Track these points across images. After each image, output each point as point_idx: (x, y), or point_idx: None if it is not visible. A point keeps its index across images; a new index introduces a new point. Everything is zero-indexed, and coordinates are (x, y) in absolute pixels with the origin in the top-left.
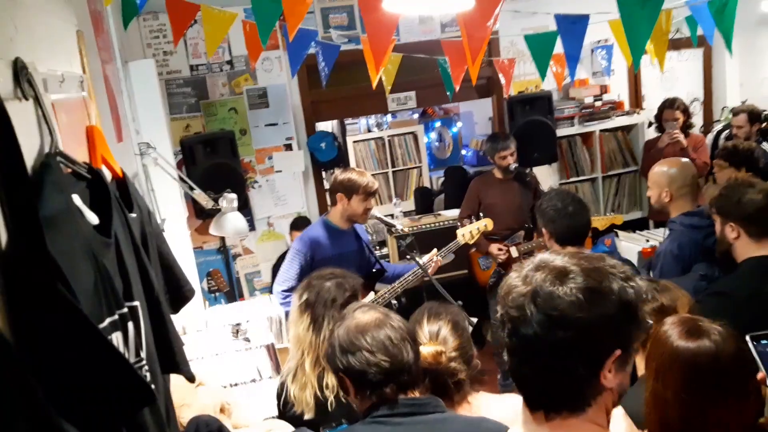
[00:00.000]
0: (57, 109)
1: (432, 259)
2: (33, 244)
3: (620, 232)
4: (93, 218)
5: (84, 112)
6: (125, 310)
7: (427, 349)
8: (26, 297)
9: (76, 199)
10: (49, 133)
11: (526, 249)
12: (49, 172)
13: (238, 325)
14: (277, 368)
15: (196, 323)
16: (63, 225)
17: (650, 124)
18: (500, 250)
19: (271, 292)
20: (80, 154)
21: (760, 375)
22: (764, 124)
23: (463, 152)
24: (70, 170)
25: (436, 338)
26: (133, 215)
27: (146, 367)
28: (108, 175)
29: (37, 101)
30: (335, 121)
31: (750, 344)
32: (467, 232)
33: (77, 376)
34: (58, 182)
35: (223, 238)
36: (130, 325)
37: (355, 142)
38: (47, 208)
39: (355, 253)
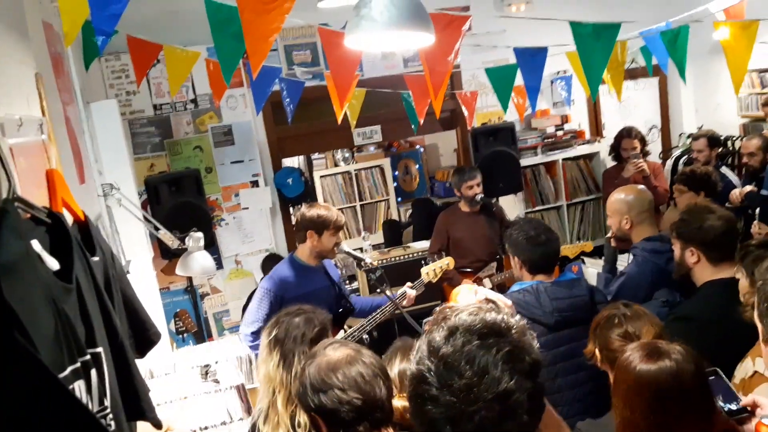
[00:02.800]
0: (15, 153)
1: (404, 294)
2: None
3: (587, 259)
4: (53, 264)
5: (43, 155)
6: (88, 357)
7: (397, 403)
8: None
9: (36, 244)
10: (6, 178)
11: (499, 280)
12: (7, 219)
13: (207, 366)
14: (248, 409)
15: (163, 366)
16: (21, 272)
17: (611, 152)
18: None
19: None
20: (40, 198)
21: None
22: (722, 149)
23: (430, 184)
24: (29, 215)
25: (404, 379)
26: (96, 259)
27: (110, 416)
28: (69, 219)
29: None
30: (301, 157)
31: None
32: (431, 270)
33: (37, 428)
34: (16, 228)
35: (190, 278)
36: (93, 372)
37: (322, 176)
38: (5, 255)
39: (324, 290)
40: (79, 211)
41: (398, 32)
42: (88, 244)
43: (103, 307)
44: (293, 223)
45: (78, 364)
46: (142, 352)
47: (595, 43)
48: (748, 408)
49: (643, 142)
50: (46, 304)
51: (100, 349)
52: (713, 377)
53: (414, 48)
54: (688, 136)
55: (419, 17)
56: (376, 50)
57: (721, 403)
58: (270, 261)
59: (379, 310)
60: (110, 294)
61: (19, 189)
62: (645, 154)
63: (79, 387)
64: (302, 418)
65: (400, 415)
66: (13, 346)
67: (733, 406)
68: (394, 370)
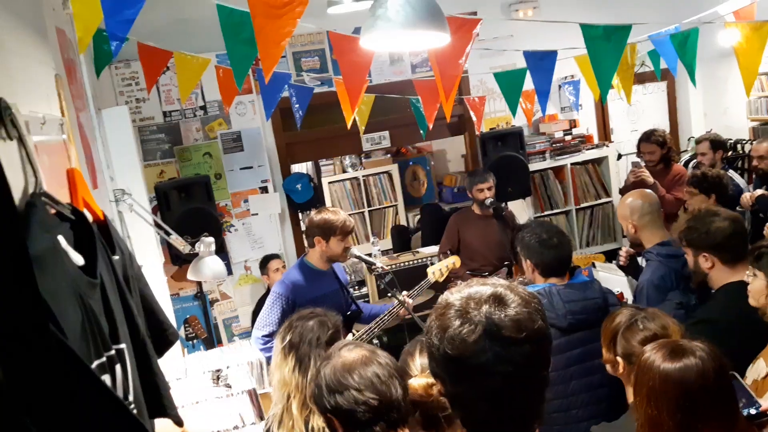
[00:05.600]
0: (39, 150)
1: (404, 301)
2: (23, 284)
3: (598, 264)
4: (78, 259)
5: (65, 154)
6: (113, 352)
7: (417, 382)
8: (17, 337)
9: (61, 239)
10: (33, 173)
11: None
12: (35, 212)
13: (218, 371)
14: (260, 414)
15: (175, 371)
16: (50, 265)
17: (619, 157)
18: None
19: (250, 336)
20: (61, 196)
21: None
22: (731, 153)
23: (438, 190)
24: (54, 211)
25: (428, 371)
26: (116, 257)
27: (134, 411)
28: (89, 218)
29: (21, 141)
30: (310, 163)
31: None
32: (437, 270)
33: (71, 417)
34: (44, 222)
35: (200, 284)
36: (118, 367)
37: (330, 182)
38: (34, 248)
39: (335, 294)
40: (99, 210)
41: (414, 32)
42: (108, 243)
43: (125, 304)
44: (303, 228)
45: (104, 359)
46: (159, 353)
47: (606, 45)
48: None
49: (663, 146)
50: (73, 298)
51: (123, 346)
52: (732, 382)
53: (430, 48)
54: (696, 141)
55: (435, 17)
56: (392, 50)
57: (740, 407)
58: (264, 261)
59: (386, 312)
60: (130, 293)
61: (44, 185)
62: (669, 159)
63: (105, 381)
64: (316, 422)
65: (424, 392)
66: (48, 337)
67: (753, 411)
68: (416, 363)
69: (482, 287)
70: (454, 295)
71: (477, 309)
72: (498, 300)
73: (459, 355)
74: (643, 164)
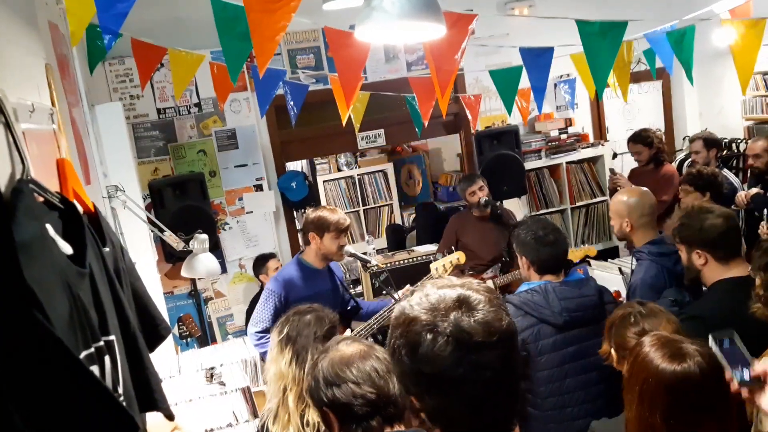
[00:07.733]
0: (27, 138)
1: (406, 293)
2: (8, 270)
3: (593, 261)
4: (66, 248)
5: (54, 144)
6: (101, 343)
7: None
8: (1, 325)
9: (49, 228)
10: (20, 160)
11: (503, 282)
12: (22, 198)
13: (212, 369)
14: (254, 412)
15: (168, 369)
16: (37, 253)
17: (614, 155)
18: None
19: (245, 334)
20: (51, 186)
21: (728, 375)
22: (726, 152)
23: (433, 189)
24: (42, 199)
25: None
26: (106, 249)
27: (124, 404)
28: (79, 208)
29: (8, 127)
30: (305, 161)
31: (714, 346)
32: (440, 266)
33: (58, 407)
34: (32, 209)
35: (194, 282)
36: (107, 359)
37: (325, 181)
38: (21, 234)
39: (330, 292)
40: (89, 202)
41: (410, 23)
42: (99, 235)
43: (115, 296)
44: (298, 227)
45: (92, 350)
46: (151, 347)
47: (602, 41)
48: (761, 378)
49: (651, 146)
50: (61, 287)
51: (112, 337)
52: (728, 345)
53: (426, 40)
54: (690, 140)
55: (431, 9)
56: (387, 42)
57: (734, 371)
58: (261, 261)
59: (386, 308)
60: (121, 285)
61: (32, 172)
62: (659, 159)
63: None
64: (311, 417)
65: None
66: (34, 325)
67: (747, 376)
68: None
69: (443, 291)
70: (415, 308)
71: (444, 318)
72: (464, 304)
73: (435, 372)
74: (618, 174)
